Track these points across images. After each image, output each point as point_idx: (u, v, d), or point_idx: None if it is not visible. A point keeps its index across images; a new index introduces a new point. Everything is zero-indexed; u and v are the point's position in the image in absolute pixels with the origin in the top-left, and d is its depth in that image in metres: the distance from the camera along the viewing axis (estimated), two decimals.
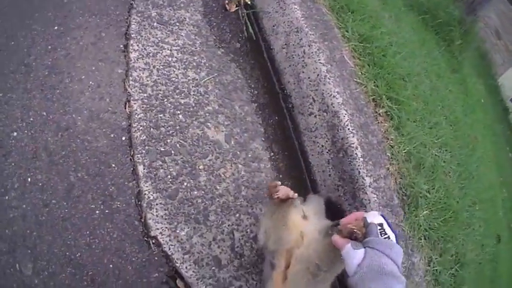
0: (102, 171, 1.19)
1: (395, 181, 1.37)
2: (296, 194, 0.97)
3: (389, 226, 0.81)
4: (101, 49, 1.38)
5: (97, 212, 1.13)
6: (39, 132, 1.19)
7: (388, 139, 1.39)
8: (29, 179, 1.12)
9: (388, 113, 1.42)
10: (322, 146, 1.35)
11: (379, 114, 1.42)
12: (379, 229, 0.78)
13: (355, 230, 0.78)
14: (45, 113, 1.22)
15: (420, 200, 1.39)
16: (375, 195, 1.28)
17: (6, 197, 1.09)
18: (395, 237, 0.80)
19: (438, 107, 1.65)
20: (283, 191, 0.97)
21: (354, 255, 0.72)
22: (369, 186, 1.28)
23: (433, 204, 1.45)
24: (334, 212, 1.31)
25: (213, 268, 1.17)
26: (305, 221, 1.07)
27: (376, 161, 1.33)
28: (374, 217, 0.82)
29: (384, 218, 0.83)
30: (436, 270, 1.48)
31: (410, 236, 1.38)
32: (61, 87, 1.28)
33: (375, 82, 1.45)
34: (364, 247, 0.74)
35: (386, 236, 0.78)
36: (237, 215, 1.27)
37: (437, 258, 1.47)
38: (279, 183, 0.97)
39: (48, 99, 1.25)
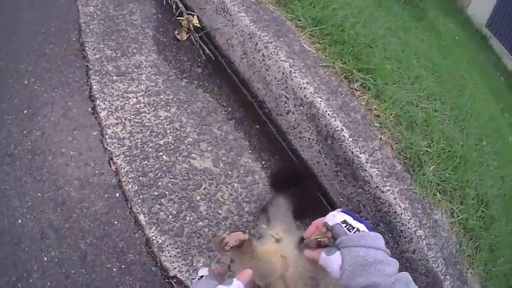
0: (108, 231, 1.19)
1: (392, 148, 1.31)
2: (246, 235, 0.89)
3: (354, 219, 0.78)
4: (71, 119, 1.38)
5: (114, 269, 1.14)
6: (40, 213, 1.20)
7: (371, 110, 1.33)
8: (45, 258, 1.13)
9: (364, 85, 1.36)
10: (309, 138, 1.31)
11: (355, 89, 1.36)
12: (345, 226, 0.74)
13: (320, 239, 0.75)
14: (40, 194, 1.23)
15: (423, 157, 1.33)
16: (375, 169, 1.23)
17: (31, 280, 1.10)
18: (366, 225, 0.77)
19: (414, 60, 1.57)
20: (233, 238, 0.87)
21: (331, 261, 0.71)
22: (366, 162, 1.23)
23: (438, 157, 1.38)
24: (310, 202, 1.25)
25: None
26: (280, 244, 1.02)
27: (366, 136, 1.27)
28: (334, 217, 0.78)
29: (346, 212, 0.80)
30: (462, 219, 1.41)
31: (424, 196, 1.32)
32: (47, 166, 1.29)
33: (341, 60, 1.39)
34: (338, 249, 0.72)
35: (354, 229, 0.74)
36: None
37: (458, 207, 1.40)
38: (225, 235, 0.89)
39: (38, 181, 1.26)
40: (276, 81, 1.35)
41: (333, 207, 1.36)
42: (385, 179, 1.24)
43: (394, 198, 1.24)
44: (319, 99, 1.27)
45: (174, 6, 1.61)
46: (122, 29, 1.61)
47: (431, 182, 1.34)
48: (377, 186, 1.23)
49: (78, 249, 1.14)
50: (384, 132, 1.31)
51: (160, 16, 1.62)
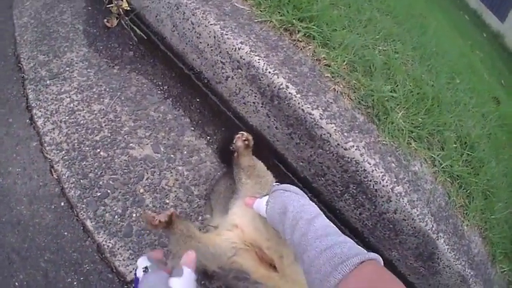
0: (61, 244, 1.00)
1: (350, 98, 1.00)
2: (172, 209, 0.82)
3: None
4: (13, 135, 1.14)
5: (75, 283, 0.96)
6: (2, 238, 1.01)
7: (319, 60, 1.03)
8: (16, 283, 0.97)
9: (307, 34, 1.06)
10: (254, 102, 1.01)
11: (298, 40, 1.05)
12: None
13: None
14: None
15: (388, 103, 1.02)
16: (333, 125, 0.93)
17: None
18: None
19: (365, 3, 1.25)
20: (162, 214, 0.76)
21: (261, 202, 0.74)
22: (321, 118, 0.93)
23: (406, 101, 1.07)
24: None
25: (203, 282, 0.93)
26: (229, 216, 0.84)
27: (317, 89, 0.98)
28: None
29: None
30: (445, 166, 1.10)
31: (396, 147, 1.02)
32: None
33: (279, 12, 1.08)
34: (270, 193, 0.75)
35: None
36: (200, 217, 0.96)
37: (439, 154, 1.09)
38: (148, 212, 0.78)
39: None
40: (209, 47, 1.06)
41: (295, 174, 1.06)
42: (346, 134, 0.94)
43: (361, 155, 0.94)
44: (257, 57, 0.98)
45: None
46: (54, 30, 1.34)
47: (403, 129, 1.03)
48: (338, 144, 0.93)
49: (39, 268, 0.98)
50: (338, 81, 1.01)
51: (90, 8, 1.35)
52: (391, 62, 1.11)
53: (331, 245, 0.55)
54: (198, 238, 0.79)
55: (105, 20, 1.29)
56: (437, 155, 1.09)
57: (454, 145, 1.15)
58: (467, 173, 1.16)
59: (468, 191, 1.16)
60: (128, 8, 1.28)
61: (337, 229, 0.62)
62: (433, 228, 1.01)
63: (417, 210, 0.99)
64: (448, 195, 1.11)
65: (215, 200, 0.93)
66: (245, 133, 0.85)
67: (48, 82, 1.22)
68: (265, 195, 0.76)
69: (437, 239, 1.02)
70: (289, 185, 0.77)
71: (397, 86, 1.07)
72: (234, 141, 0.85)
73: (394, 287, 0.48)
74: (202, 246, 0.78)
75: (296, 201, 0.69)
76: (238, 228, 0.83)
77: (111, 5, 1.30)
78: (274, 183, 0.80)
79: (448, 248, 1.04)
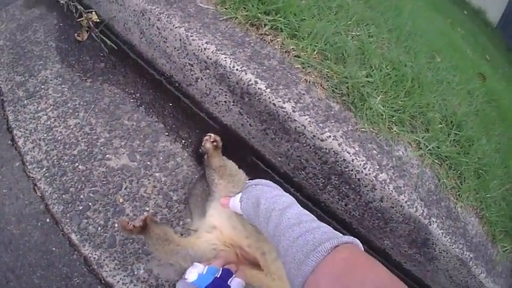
0: (50, 260, 0.99)
1: (323, 87, 0.95)
2: (147, 213, 0.81)
3: None
4: None
5: None
6: None
7: (288, 52, 0.98)
8: None
9: (275, 26, 1.01)
10: (225, 101, 0.97)
11: (265, 34, 1.00)
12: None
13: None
14: None
15: (364, 89, 0.96)
16: (307, 116, 0.88)
17: None
18: None
19: None
20: (137, 219, 0.75)
21: (235, 200, 0.72)
22: (293, 111, 0.88)
23: (383, 84, 1.02)
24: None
25: None
26: (206, 218, 0.82)
27: (287, 82, 0.92)
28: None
29: None
30: (432, 148, 1.04)
31: (376, 133, 0.96)
32: None
33: (244, 8, 1.04)
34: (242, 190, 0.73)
35: None
36: (181, 222, 0.92)
37: (424, 136, 1.03)
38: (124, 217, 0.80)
39: None
40: (176, 50, 1.01)
41: (274, 170, 1.01)
42: (321, 124, 0.89)
43: (339, 144, 0.88)
44: (223, 55, 0.93)
45: (74, 10, 1.30)
46: (28, 50, 1.32)
47: (382, 114, 0.97)
48: (314, 135, 0.88)
49: (34, 285, 0.98)
50: (309, 72, 0.95)
51: (61, 25, 1.32)
52: (366, 47, 1.05)
53: (303, 232, 0.51)
54: (177, 242, 0.77)
55: (76, 34, 1.25)
56: (422, 138, 1.03)
57: (440, 125, 1.09)
58: (457, 153, 1.09)
59: (459, 172, 1.09)
60: (98, 20, 1.24)
61: (313, 216, 0.59)
62: (424, 214, 0.95)
63: (405, 196, 0.93)
64: (438, 178, 1.04)
65: (194, 204, 0.89)
66: (212, 135, 0.82)
67: (25, 102, 1.20)
68: (239, 193, 0.74)
69: (430, 224, 0.96)
70: (261, 179, 0.74)
71: (372, 70, 1.02)
72: (202, 144, 0.82)
73: (374, 270, 0.43)
74: (181, 249, 0.76)
75: (268, 192, 0.66)
76: (217, 230, 0.80)
77: (82, 19, 1.27)
78: (247, 180, 0.77)
79: (442, 233, 0.98)
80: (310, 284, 0.45)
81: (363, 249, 0.50)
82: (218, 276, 0.65)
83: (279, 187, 0.72)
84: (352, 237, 0.50)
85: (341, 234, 0.51)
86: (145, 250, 0.94)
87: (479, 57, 1.95)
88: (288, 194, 0.69)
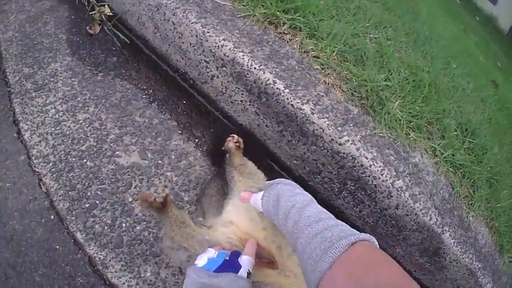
0: (53, 258, 0.93)
1: (342, 90, 0.90)
2: (166, 190, 0.81)
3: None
4: (2, 150, 1.06)
5: None
6: None
7: (307, 52, 0.93)
8: None
9: (293, 26, 0.96)
10: (241, 101, 0.91)
11: (284, 32, 0.95)
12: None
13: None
14: None
15: (382, 93, 0.92)
16: (325, 119, 0.83)
17: None
18: None
19: None
20: (161, 195, 0.73)
21: (256, 197, 0.70)
22: (312, 113, 0.83)
23: (402, 89, 0.97)
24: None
25: None
26: (223, 214, 0.78)
27: (306, 83, 0.87)
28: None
29: None
30: (447, 155, 0.99)
31: (394, 138, 0.91)
32: None
33: (262, 5, 0.98)
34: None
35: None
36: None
37: (440, 143, 0.99)
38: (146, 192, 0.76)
39: None
40: (192, 47, 0.96)
41: (289, 173, 0.96)
42: (340, 128, 0.84)
43: (357, 149, 0.83)
44: (241, 53, 0.88)
45: (86, 3, 1.24)
46: (38, 42, 1.26)
47: (400, 120, 0.93)
48: (332, 139, 0.83)
49: (35, 283, 0.93)
50: (328, 73, 0.90)
51: (73, 17, 1.26)
52: (384, 50, 1.00)
53: (321, 229, 0.52)
54: (193, 227, 0.75)
55: (88, 27, 1.19)
56: (438, 144, 0.98)
57: (455, 133, 1.05)
58: (470, 162, 1.05)
59: (472, 180, 1.05)
60: (111, 14, 1.19)
61: (331, 214, 0.58)
62: (438, 222, 0.91)
63: (420, 204, 0.88)
64: (452, 186, 1.00)
65: (207, 204, 0.85)
66: (236, 136, 0.82)
67: (33, 94, 1.14)
68: (261, 191, 0.72)
69: (443, 233, 0.92)
70: (282, 178, 0.73)
71: (391, 74, 0.97)
72: (225, 144, 0.81)
73: (388, 267, 0.43)
74: (197, 234, 0.73)
75: (288, 191, 0.66)
76: (234, 225, 0.76)
77: (94, 12, 1.21)
78: (266, 181, 0.75)
79: (454, 242, 0.94)
80: (326, 279, 0.45)
81: (378, 246, 0.50)
82: (227, 258, 0.64)
83: (299, 186, 0.70)
84: (369, 235, 0.50)
85: (358, 232, 0.50)
86: (154, 252, 0.89)
87: (491, 64, 1.91)
88: (307, 193, 0.67)
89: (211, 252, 0.66)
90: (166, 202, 0.73)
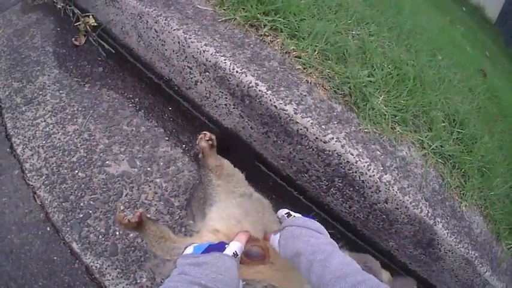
0: (52, 269, 0.96)
1: (324, 88, 0.91)
2: (142, 209, 0.76)
3: (294, 212, 0.74)
4: None
5: None
6: None
7: (289, 53, 0.94)
8: None
9: (274, 27, 0.97)
10: (226, 105, 0.93)
11: (265, 34, 0.96)
12: (286, 213, 0.73)
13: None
14: None
15: (366, 89, 0.92)
16: (309, 118, 0.84)
17: None
18: (311, 217, 0.71)
19: None
20: (136, 215, 0.72)
21: (275, 239, 0.69)
22: (295, 113, 0.84)
23: (385, 84, 0.98)
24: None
25: None
26: (207, 222, 0.77)
27: (288, 83, 0.88)
28: (281, 211, 0.75)
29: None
30: (435, 147, 1.00)
31: (380, 133, 0.92)
32: None
33: (243, 9, 1.00)
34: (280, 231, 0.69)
35: (291, 216, 0.72)
36: (183, 228, 0.88)
37: (427, 135, 0.99)
38: (121, 213, 0.73)
39: None
40: (175, 53, 0.97)
41: (277, 174, 0.97)
42: (324, 126, 0.85)
43: (342, 146, 0.84)
44: (223, 58, 0.89)
45: (71, 14, 1.26)
46: (25, 56, 1.28)
47: (385, 114, 0.93)
48: (317, 138, 0.84)
49: None
50: (310, 72, 0.91)
51: (58, 29, 1.28)
52: (366, 46, 1.01)
53: (350, 286, 0.52)
54: (174, 240, 0.74)
55: (74, 39, 1.21)
56: (426, 137, 0.99)
57: (443, 124, 1.05)
58: (460, 152, 1.06)
59: (463, 170, 1.05)
60: (95, 24, 1.20)
61: (355, 264, 0.58)
62: (429, 214, 0.92)
63: (409, 197, 0.89)
64: (442, 177, 1.01)
65: (196, 207, 0.85)
66: (208, 133, 0.79)
67: (23, 108, 1.16)
68: (278, 232, 0.69)
69: (435, 224, 0.93)
70: (298, 217, 0.70)
71: (374, 70, 0.98)
72: (197, 142, 0.79)
73: None
74: (177, 246, 0.72)
75: (306, 242, 0.63)
76: (220, 232, 0.76)
77: (79, 23, 1.23)
78: (284, 213, 0.72)
79: (447, 232, 0.95)
80: None
81: None
82: (214, 244, 0.65)
83: (315, 226, 0.67)
84: None
85: (387, 286, 0.51)
86: (148, 258, 0.91)
87: (479, 53, 1.90)
88: (325, 237, 0.65)
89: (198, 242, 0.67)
90: (142, 220, 0.72)
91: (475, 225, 1.05)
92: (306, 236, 0.63)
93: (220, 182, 0.75)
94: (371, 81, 0.95)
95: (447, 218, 0.96)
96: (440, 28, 1.59)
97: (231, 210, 0.73)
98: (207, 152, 0.78)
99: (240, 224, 0.71)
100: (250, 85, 0.86)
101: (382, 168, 0.87)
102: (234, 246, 0.64)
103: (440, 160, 1.02)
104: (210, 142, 0.79)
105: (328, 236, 0.66)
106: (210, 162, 0.77)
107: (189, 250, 0.63)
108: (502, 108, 1.35)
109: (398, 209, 0.90)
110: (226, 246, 0.63)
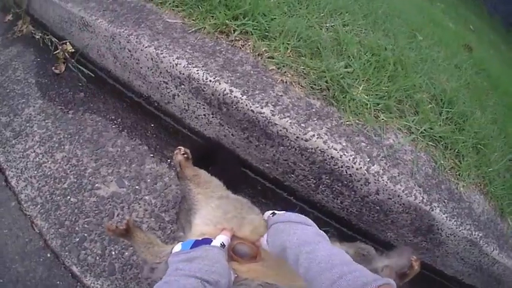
0: None
1: (301, 86, 0.90)
2: (129, 217, 0.79)
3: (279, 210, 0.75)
4: None
5: None
6: None
7: (261, 54, 0.93)
8: None
9: (244, 30, 0.96)
10: (204, 115, 0.93)
11: (235, 39, 0.96)
12: (271, 213, 0.73)
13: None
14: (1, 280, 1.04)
15: (344, 80, 0.91)
16: (287, 118, 0.83)
17: None
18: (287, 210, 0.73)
19: None
20: (124, 222, 0.75)
21: (264, 240, 0.70)
22: (272, 115, 0.83)
23: (364, 72, 0.96)
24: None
25: None
26: (193, 228, 0.77)
27: (263, 85, 0.88)
28: (266, 213, 0.75)
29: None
30: (424, 130, 0.98)
31: (363, 124, 0.90)
32: None
33: (212, 17, 1.00)
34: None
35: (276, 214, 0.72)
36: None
37: (414, 120, 0.97)
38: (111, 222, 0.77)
39: None
40: (150, 70, 0.98)
41: (264, 177, 0.96)
42: (303, 124, 0.84)
43: (324, 142, 0.84)
44: (195, 68, 0.89)
45: (49, 43, 1.28)
46: (10, 90, 1.30)
47: (367, 104, 0.92)
48: (297, 137, 0.84)
49: None
50: (285, 71, 0.91)
51: (39, 59, 1.30)
52: (341, 37, 1.00)
53: (336, 279, 0.51)
54: (161, 245, 0.76)
55: (54, 67, 1.23)
56: (412, 121, 0.97)
57: (429, 106, 1.03)
58: (451, 132, 1.03)
59: (456, 150, 1.03)
60: (73, 50, 1.22)
61: (343, 255, 0.57)
62: (424, 200, 0.90)
63: (401, 185, 0.87)
64: (434, 161, 0.99)
65: (184, 218, 0.86)
66: (182, 148, 0.83)
67: (13, 142, 1.19)
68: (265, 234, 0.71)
69: (432, 210, 0.91)
70: (282, 213, 0.71)
71: (351, 60, 0.96)
72: (173, 157, 0.83)
73: None
74: (164, 250, 0.74)
75: (292, 235, 0.63)
76: (206, 235, 0.76)
77: (58, 51, 1.25)
78: (269, 214, 0.73)
79: (446, 216, 0.92)
80: None
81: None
82: (199, 240, 0.67)
83: (300, 218, 0.67)
84: (387, 279, 0.49)
85: (375, 276, 0.50)
86: (144, 274, 0.92)
87: (463, 28, 1.85)
88: (311, 228, 0.65)
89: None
90: (130, 227, 0.75)
91: (475, 205, 1.03)
92: (291, 229, 0.63)
93: (199, 190, 0.78)
94: (348, 72, 0.94)
95: (444, 202, 0.94)
96: (419, 8, 1.56)
97: (213, 214, 0.74)
98: (183, 164, 0.81)
99: (221, 224, 0.72)
100: (225, 92, 0.86)
101: (368, 159, 0.86)
102: (220, 239, 0.67)
103: (430, 143, 1.00)
104: (185, 155, 0.82)
105: (316, 227, 0.66)
106: (188, 173, 0.80)
107: (178, 248, 0.65)
108: (492, 81, 1.31)
109: (391, 198, 0.89)
110: (212, 239, 0.66)
